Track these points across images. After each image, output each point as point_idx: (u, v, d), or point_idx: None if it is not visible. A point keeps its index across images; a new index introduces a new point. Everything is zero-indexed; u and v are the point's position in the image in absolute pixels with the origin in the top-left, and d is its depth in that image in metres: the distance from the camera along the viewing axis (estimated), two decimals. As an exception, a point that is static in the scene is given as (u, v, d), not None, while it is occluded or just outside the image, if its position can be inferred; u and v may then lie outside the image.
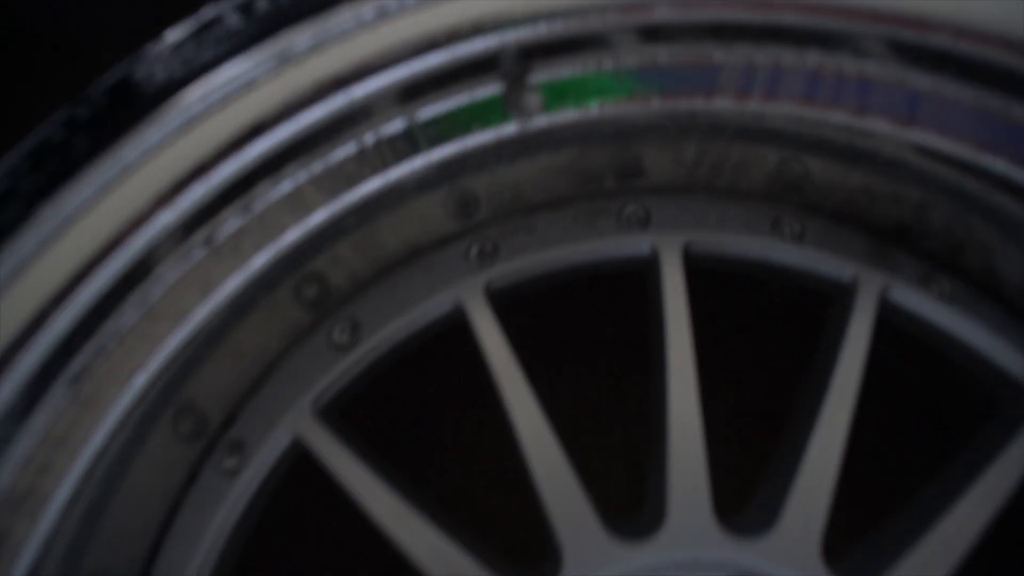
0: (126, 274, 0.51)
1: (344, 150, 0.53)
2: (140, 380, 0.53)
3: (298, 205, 0.55)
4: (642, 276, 0.70)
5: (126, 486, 0.59)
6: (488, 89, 0.54)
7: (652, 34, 0.53)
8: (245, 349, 0.65)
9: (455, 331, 0.67)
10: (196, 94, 0.49)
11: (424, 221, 0.67)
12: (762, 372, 0.85)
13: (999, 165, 0.55)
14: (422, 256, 0.68)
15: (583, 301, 0.84)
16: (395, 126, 0.54)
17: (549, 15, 0.50)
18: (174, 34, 0.51)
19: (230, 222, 0.52)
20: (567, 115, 0.54)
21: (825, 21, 0.52)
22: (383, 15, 0.49)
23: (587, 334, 0.85)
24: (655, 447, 0.62)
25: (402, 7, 0.49)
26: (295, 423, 0.65)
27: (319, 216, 0.56)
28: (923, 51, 0.52)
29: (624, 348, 0.85)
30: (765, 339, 0.84)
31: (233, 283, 0.55)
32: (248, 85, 0.49)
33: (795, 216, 0.69)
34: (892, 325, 0.69)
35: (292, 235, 0.55)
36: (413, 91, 0.52)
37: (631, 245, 0.67)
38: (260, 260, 0.55)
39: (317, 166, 0.52)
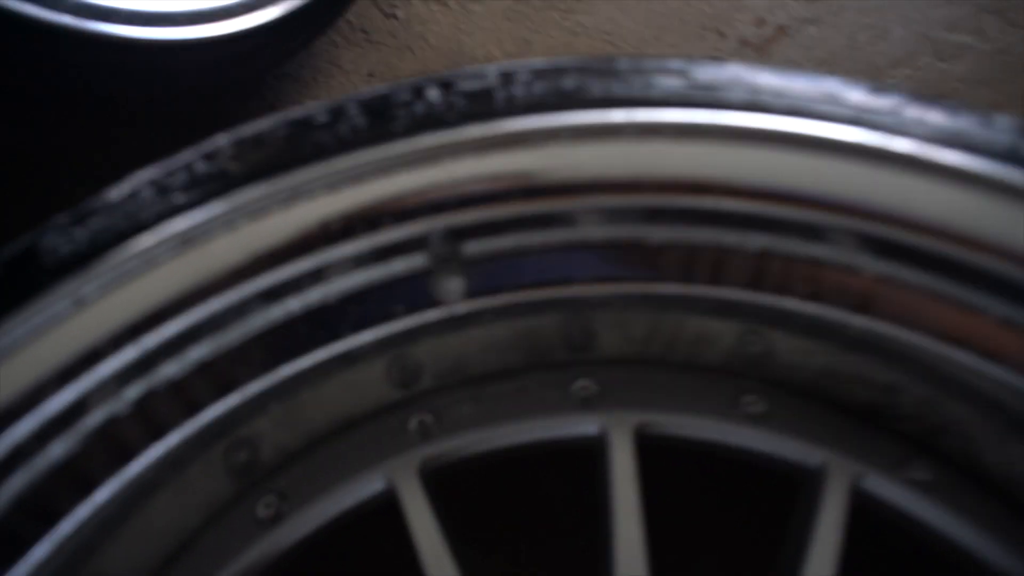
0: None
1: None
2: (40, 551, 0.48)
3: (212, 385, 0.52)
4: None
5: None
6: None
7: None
8: (160, 522, 0.61)
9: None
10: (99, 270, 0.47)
11: (362, 390, 0.63)
12: (722, 559, 0.78)
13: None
14: (358, 427, 0.64)
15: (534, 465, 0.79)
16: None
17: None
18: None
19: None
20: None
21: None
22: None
23: (533, 502, 0.79)
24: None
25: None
26: (208, 610, 0.59)
27: (237, 396, 0.52)
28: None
29: (573, 519, 0.79)
30: (728, 523, 0.77)
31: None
32: (151, 264, 0.47)
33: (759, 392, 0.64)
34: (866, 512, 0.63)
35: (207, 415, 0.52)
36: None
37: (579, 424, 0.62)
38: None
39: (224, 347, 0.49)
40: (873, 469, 0.61)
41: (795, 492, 0.64)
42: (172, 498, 0.59)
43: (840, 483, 0.60)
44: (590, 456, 0.65)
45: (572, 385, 0.64)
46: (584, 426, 0.63)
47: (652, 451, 0.65)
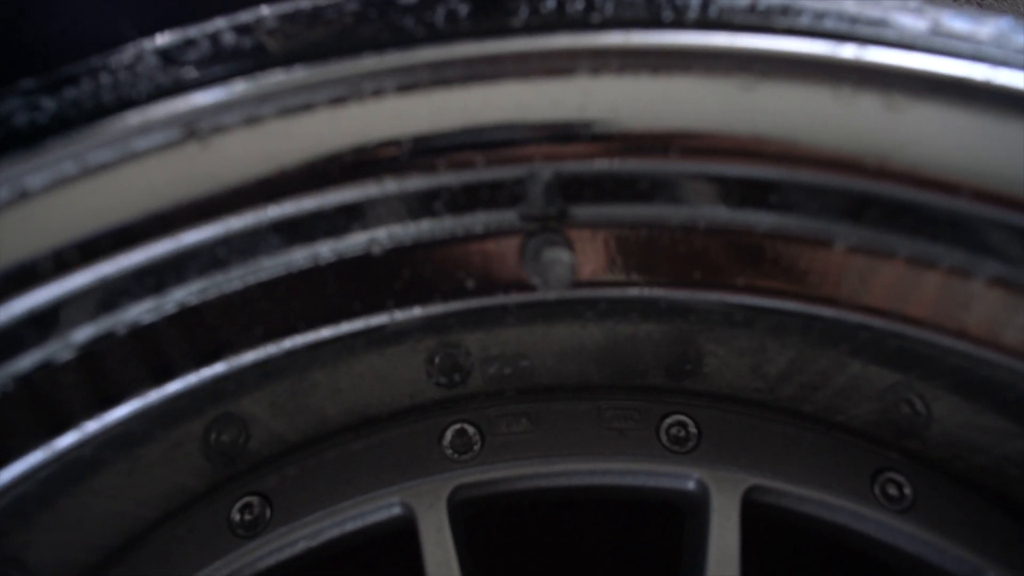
0: None
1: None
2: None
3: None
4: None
5: None
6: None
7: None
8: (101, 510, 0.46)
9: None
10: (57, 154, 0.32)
11: (393, 381, 0.48)
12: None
13: None
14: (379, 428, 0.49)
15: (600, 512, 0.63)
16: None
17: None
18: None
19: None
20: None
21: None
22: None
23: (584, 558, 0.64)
24: None
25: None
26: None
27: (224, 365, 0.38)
28: None
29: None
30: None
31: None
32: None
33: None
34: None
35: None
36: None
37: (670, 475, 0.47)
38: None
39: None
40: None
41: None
42: (121, 482, 0.44)
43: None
44: (671, 513, 0.50)
45: (664, 420, 0.49)
46: (675, 478, 0.47)
47: (757, 521, 0.49)
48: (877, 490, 0.48)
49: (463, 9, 0.35)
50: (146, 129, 0.32)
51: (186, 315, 0.36)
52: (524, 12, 0.34)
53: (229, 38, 0.35)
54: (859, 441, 0.49)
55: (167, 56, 0.35)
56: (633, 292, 0.37)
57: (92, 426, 0.36)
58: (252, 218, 0.33)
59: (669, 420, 0.49)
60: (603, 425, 0.49)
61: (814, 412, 0.49)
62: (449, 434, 0.49)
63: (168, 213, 0.32)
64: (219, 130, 0.32)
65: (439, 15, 0.35)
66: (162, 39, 0.36)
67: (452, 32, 0.34)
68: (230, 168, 0.32)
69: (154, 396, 0.37)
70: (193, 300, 0.36)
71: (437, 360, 0.48)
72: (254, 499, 0.48)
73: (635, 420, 0.49)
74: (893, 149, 0.33)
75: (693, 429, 0.49)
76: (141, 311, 0.35)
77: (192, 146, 0.32)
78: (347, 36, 0.34)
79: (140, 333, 0.36)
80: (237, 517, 0.48)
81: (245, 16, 0.37)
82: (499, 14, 0.34)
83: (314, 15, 0.36)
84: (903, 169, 0.34)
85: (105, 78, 0.34)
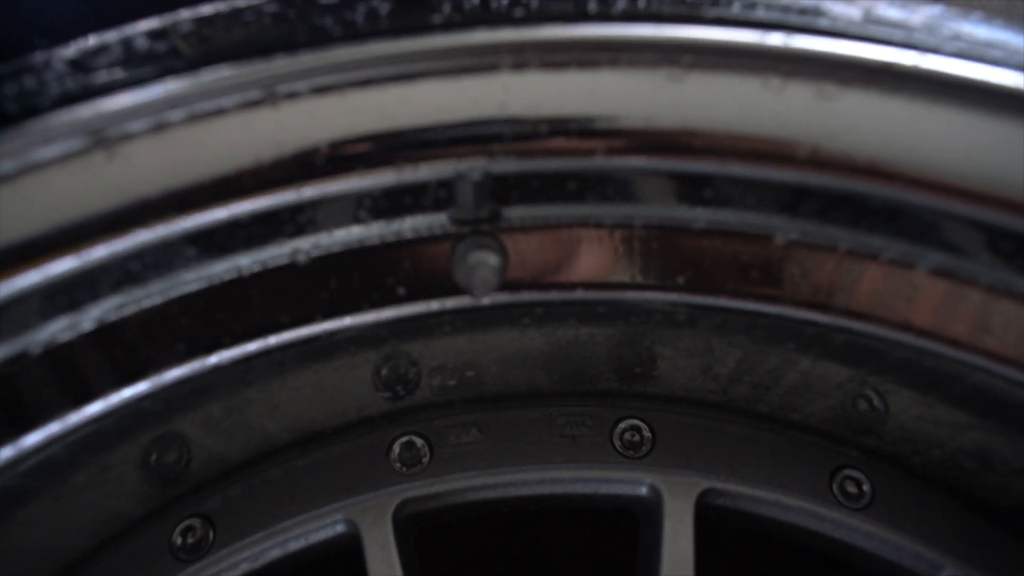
0: None
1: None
2: None
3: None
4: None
5: None
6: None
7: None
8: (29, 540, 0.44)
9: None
10: None
11: (335, 395, 0.47)
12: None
13: None
14: (323, 444, 0.48)
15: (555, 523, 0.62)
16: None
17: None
18: None
19: None
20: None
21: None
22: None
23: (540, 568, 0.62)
24: None
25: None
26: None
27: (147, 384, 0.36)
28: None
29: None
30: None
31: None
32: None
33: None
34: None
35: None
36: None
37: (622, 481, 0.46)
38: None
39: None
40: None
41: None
42: (50, 510, 0.42)
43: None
44: (628, 520, 0.49)
45: (617, 425, 0.48)
46: (628, 484, 0.46)
47: (712, 525, 0.48)
48: (836, 488, 0.47)
49: (384, 7, 0.34)
50: (50, 138, 0.31)
51: (104, 333, 0.34)
52: (446, 8, 0.33)
53: (142, 43, 0.34)
54: (816, 439, 0.48)
55: (77, 62, 0.33)
56: (568, 295, 0.36)
57: (7, 453, 0.34)
58: (164, 230, 0.32)
59: (623, 425, 0.48)
60: (555, 432, 0.48)
61: (769, 412, 0.48)
62: (397, 447, 0.47)
63: (75, 227, 0.31)
64: (126, 138, 0.31)
65: (359, 12, 0.34)
66: (73, 44, 0.35)
67: (371, 31, 0.33)
68: (138, 178, 0.31)
69: (74, 419, 0.36)
70: (111, 317, 0.34)
71: (384, 372, 0.47)
72: (196, 521, 0.46)
73: (587, 426, 0.48)
74: (825, 138, 0.32)
75: (647, 433, 0.48)
76: (56, 330, 0.34)
77: (98, 155, 0.31)
78: (263, 38, 0.33)
79: (55, 353, 0.34)
80: (179, 540, 0.46)
81: (160, 20, 0.35)
82: (420, 11, 0.33)
83: (232, 17, 0.35)
84: (837, 158, 0.33)
85: (10, 86, 0.33)
